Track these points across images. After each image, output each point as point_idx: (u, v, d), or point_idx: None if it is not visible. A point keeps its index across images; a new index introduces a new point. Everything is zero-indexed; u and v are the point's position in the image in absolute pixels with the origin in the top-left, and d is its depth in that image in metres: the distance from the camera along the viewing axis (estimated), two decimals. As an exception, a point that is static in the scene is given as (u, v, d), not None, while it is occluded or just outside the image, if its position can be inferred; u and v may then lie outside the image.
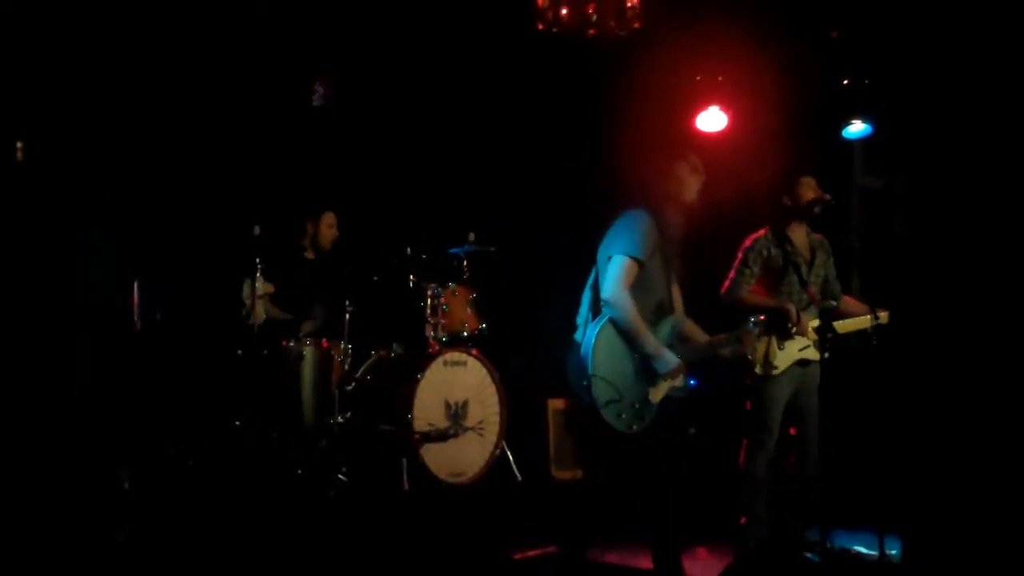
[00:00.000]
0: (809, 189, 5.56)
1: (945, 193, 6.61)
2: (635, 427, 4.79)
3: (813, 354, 5.48)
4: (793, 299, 5.47)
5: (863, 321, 5.46)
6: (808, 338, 5.45)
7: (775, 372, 5.44)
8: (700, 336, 5.14)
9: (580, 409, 4.82)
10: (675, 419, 4.98)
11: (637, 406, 4.80)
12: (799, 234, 5.62)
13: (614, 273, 4.81)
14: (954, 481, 5.77)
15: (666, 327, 4.95)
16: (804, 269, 5.53)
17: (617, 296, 4.77)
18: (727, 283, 5.56)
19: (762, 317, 5.21)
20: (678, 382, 4.90)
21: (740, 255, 5.57)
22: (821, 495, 5.48)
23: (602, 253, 4.95)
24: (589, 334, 4.81)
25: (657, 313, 4.96)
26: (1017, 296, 6.21)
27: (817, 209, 5.52)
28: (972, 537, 5.16)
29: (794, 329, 5.37)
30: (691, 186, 4.99)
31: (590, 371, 4.73)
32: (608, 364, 4.76)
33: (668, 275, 5.03)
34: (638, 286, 4.85)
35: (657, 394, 4.83)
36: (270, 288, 6.45)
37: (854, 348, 5.54)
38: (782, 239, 5.55)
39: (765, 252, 5.53)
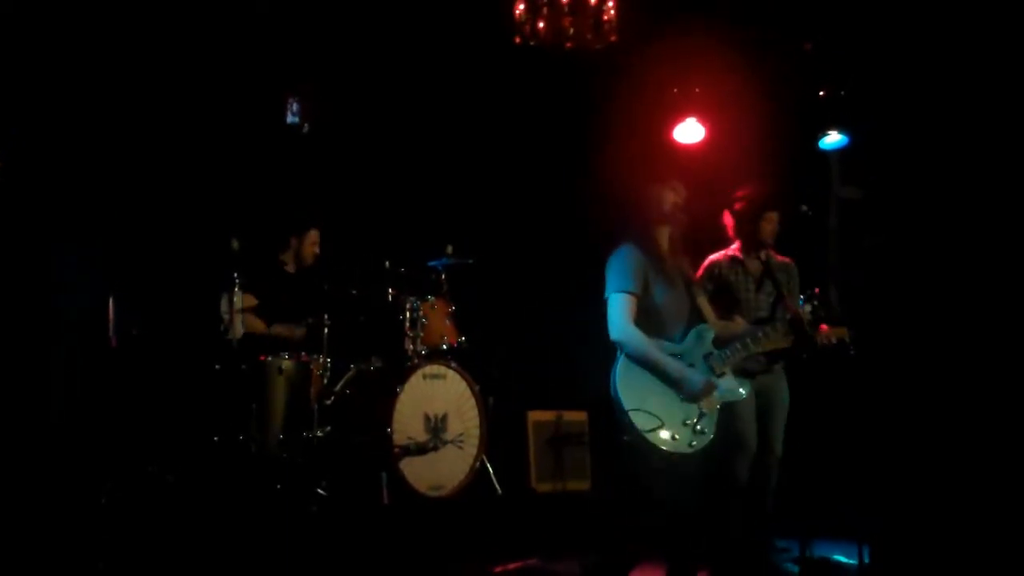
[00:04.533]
0: (768, 224, 5.64)
1: (919, 203, 6.65)
2: (695, 443, 4.72)
3: (757, 366, 5.52)
4: (747, 317, 5.52)
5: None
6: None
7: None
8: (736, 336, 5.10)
9: (628, 444, 4.73)
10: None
11: (690, 422, 4.74)
12: (754, 258, 5.67)
13: (613, 312, 4.82)
14: (918, 488, 5.82)
15: (698, 339, 4.92)
16: (753, 289, 5.60)
17: (622, 333, 4.77)
18: None
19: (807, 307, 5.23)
20: (727, 385, 4.85)
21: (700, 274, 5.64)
22: (797, 505, 5.49)
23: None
24: (613, 371, 4.78)
25: (684, 333, 4.95)
26: (986, 305, 6.25)
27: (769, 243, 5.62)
28: (937, 543, 5.21)
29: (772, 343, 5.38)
30: (667, 202, 4.99)
31: (624, 406, 4.68)
32: (640, 394, 4.72)
33: (682, 293, 5.00)
34: (645, 316, 4.84)
35: (711, 404, 4.78)
36: (252, 302, 6.43)
37: (831, 360, 5.57)
38: (736, 260, 5.63)
39: (716, 271, 5.61)
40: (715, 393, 4.80)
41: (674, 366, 4.76)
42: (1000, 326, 6.19)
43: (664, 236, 4.99)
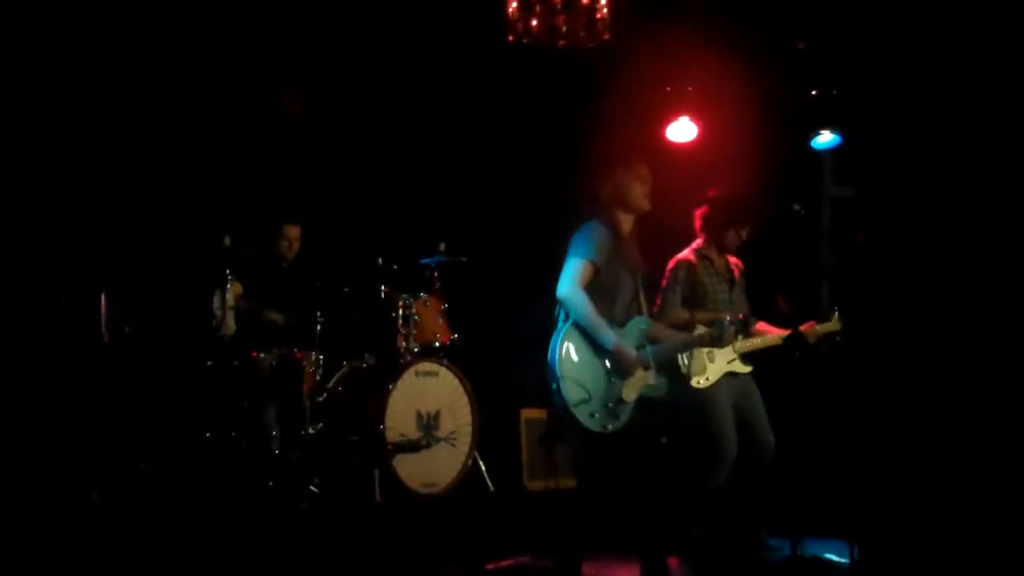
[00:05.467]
0: (736, 237, 5.73)
1: (912, 202, 6.67)
2: (609, 427, 4.81)
3: (740, 367, 5.64)
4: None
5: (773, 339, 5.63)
6: (734, 351, 5.61)
7: (708, 383, 5.54)
8: (671, 335, 5.24)
9: (556, 413, 4.84)
10: (649, 421, 4.98)
11: (610, 405, 4.83)
12: (720, 256, 5.75)
13: (568, 273, 4.90)
14: (908, 486, 5.84)
15: (634, 330, 4.98)
16: (727, 289, 5.67)
17: (570, 293, 4.85)
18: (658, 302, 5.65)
19: (739, 316, 5.29)
20: (649, 379, 4.92)
21: (667, 276, 5.67)
22: (788, 504, 5.51)
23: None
24: (554, 338, 4.87)
25: (626, 317, 5.00)
26: (980, 304, 6.27)
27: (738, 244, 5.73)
28: (926, 541, 5.23)
29: (720, 341, 5.41)
30: (635, 192, 5.03)
31: (557, 373, 4.78)
32: (575, 365, 4.81)
33: (633, 281, 5.07)
34: (598, 291, 4.91)
35: (631, 392, 4.85)
36: (241, 300, 6.41)
37: (823, 357, 5.59)
38: (704, 258, 5.70)
39: (686, 270, 5.66)
40: (638, 381, 4.87)
41: (612, 336, 4.83)
42: (997, 325, 6.21)
43: (628, 221, 5.04)
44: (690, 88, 7.21)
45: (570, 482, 7.13)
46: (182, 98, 6.78)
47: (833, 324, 5.65)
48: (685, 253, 5.74)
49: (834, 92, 6.92)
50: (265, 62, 6.90)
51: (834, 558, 5.52)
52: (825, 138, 6.92)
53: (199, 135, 6.90)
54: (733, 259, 5.82)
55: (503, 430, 7.08)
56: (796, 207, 5.60)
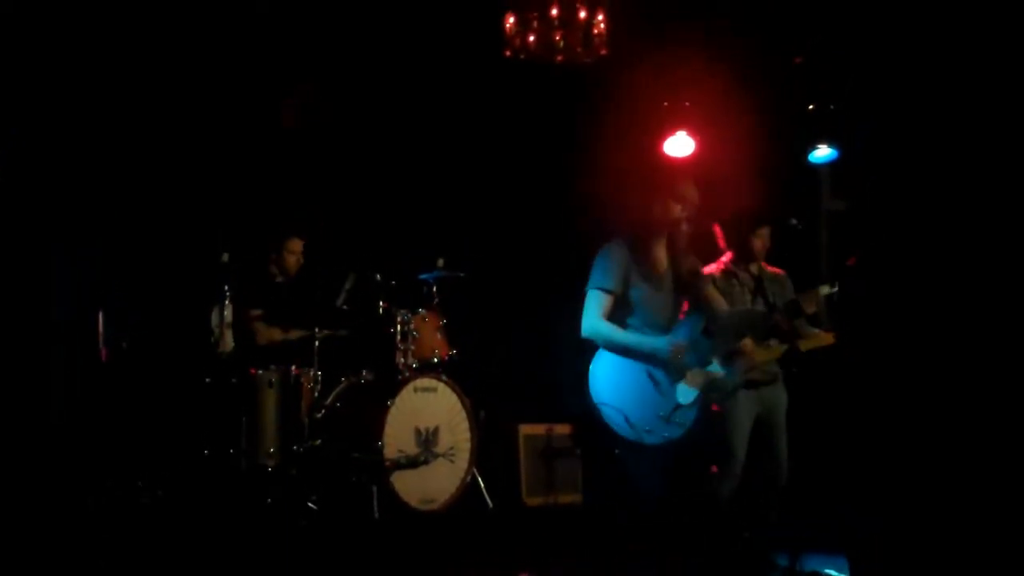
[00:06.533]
0: (759, 239, 5.67)
1: (914, 214, 6.66)
2: (667, 435, 4.83)
3: (760, 376, 5.55)
4: None
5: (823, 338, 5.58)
6: (753, 361, 5.52)
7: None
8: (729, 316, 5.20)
9: (595, 432, 4.85)
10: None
11: (664, 415, 4.84)
12: (747, 268, 5.71)
13: (586, 309, 4.96)
14: (899, 498, 5.81)
15: (685, 328, 5.01)
16: (749, 301, 5.62)
17: (590, 327, 4.92)
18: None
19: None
20: (707, 376, 4.92)
21: None
22: (787, 517, 5.48)
23: None
24: (589, 370, 4.89)
25: (666, 330, 5.03)
26: (971, 317, 6.24)
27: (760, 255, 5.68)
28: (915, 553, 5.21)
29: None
30: (674, 213, 5.03)
31: (596, 401, 4.82)
32: (611, 390, 4.85)
33: (667, 298, 5.08)
34: (624, 314, 4.95)
35: (687, 395, 4.88)
36: (256, 312, 6.45)
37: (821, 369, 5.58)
38: (728, 272, 5.65)
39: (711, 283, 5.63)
40: (698, 374, 4.86)
41: (640, 340, 4.88)
42: (992, 337, 6.18)
43: (660, 242, 5.05)
44: (687, 103, 7.22)
45: (570, 498, 7.15)
46: (181, 115, 6.79)
47: (825, 338, 5.61)
48: (713, 267, 5.69)
49: (831, 107, 6.92)
50: (264, 77, 6.92)
51: (834, 574, 5.50)
52: (822, 152, 6.92)
53: (198, 150, 6.91)
54: (772, 268, 5.77)
55: (502, 446, 7.06)
56: (793, 221, 5.59)
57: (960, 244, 6.30)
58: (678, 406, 4.84)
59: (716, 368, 4.98)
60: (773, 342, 5.50)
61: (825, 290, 5.45)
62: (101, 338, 6.28)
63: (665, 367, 4.88)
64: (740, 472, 5.45)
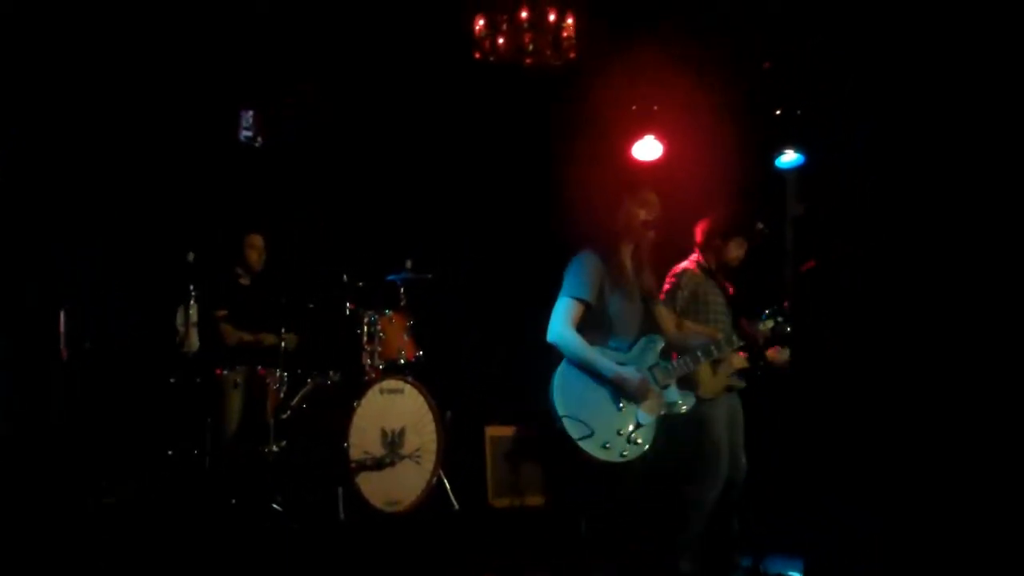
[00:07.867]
0: (738, 248, 5.70)
1: (882, 217, 6.71)
2: (626, 453, 4.77)
3: (738, 383, 5.61)
4: (719, 326, 5.55)
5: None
6: (733, 366, 5.56)
7: (712, 396, 5.50)
8: (692, 339, 5.19)
9: (554, 442, 4.78)
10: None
11: (624, 432, 4.79)
12: (719, 272, 5.73)
13: (556, 314, 4.87)
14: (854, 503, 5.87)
15: (647, 349, 4.96)
16: (724, 301, 5.64)
17: (559, 334, 4.82)
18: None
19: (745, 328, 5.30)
20: (669, 396, 4.90)
21: (668, 283, 5.64)
22: (751, 520, 5.51)
23: None
24: (550, 382, 4.81)
25: (634, 343, 4.99)
26: (970, 315, 6.29)
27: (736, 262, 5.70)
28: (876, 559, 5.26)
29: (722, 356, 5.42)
30: (639, 222, 5.01)
31: (558, 412, 4.73)
32: (575, 401, 4.76)
33: (637, 307, 5.02)
34: (599, 326, 4.88)
35: (648, 414, 4.82)
36: (223, 312, 6.41)
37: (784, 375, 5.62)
38: (705, 270, 5.66)
39: (688, 278, 5.61)
40: (656, 400, 4.84)
41: (609, 366, 4.79)
42: (992, 336, 6.22)
43: (628, 249, 5.02)
44: (655, 107, 7.25)
45: (535, 500, 7.16)
46: (146, 115, 6.75)
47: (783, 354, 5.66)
48: (687, 264, 5.69)
49: (798, 112, 6.97)
50: (226, 79, 6.88)
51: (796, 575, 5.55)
52: (789, 158, 6.96)
53: (163, 150, 6.87)
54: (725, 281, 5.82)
55: (468, 447, 7.07)
56: (760, 226, 5.61)
57: (953, 240, 6.36)
58: (639, 425, 4.82)
59: (673, 393, 4.96)
60: (735, 358, 5.54)
61: (769, 324, 5.48)
62: (63, 338, 6.23)
63: (625, 394, 4.84)
64: (726, 477, 5.45)
